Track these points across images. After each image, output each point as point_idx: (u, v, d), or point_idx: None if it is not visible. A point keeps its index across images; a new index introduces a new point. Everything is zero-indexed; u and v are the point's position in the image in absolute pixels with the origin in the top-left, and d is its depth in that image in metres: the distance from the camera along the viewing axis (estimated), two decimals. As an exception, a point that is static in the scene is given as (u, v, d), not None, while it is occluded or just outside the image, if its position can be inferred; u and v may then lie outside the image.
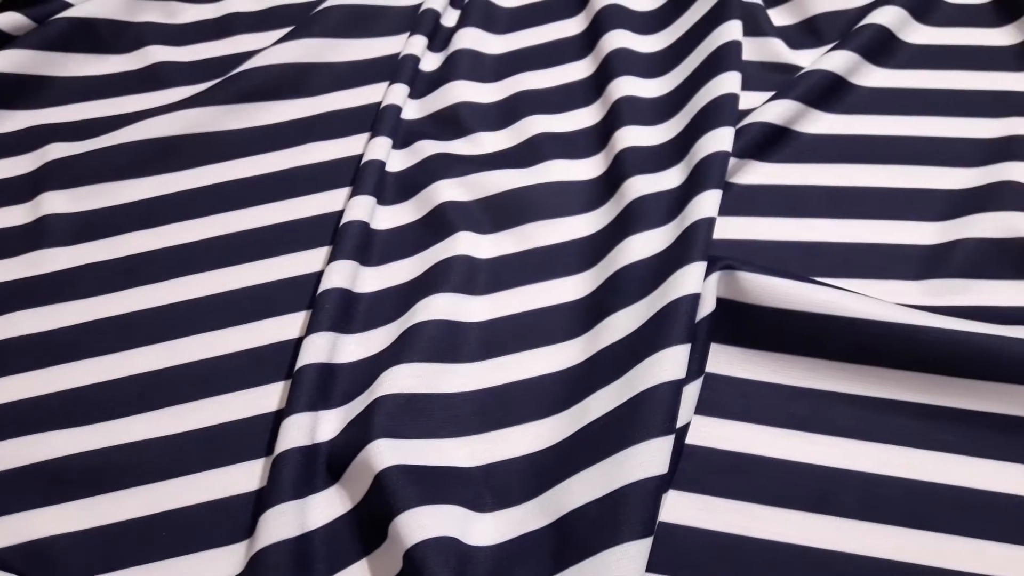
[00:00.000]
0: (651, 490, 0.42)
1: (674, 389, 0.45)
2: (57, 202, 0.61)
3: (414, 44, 0.69)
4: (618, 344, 0.50)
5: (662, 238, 0.54)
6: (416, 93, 0.68)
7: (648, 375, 0.46)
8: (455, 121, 0.65)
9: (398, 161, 0.63)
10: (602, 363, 0.50)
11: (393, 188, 0.62)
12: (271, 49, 0.69)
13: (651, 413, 0.44)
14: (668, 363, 0.46)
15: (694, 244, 0.51)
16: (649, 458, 0.43)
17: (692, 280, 0.49)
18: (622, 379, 0.47)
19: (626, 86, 0.64)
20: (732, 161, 0.58)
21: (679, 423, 0.46)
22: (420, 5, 0.73)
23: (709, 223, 0.52)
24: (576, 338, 0.52)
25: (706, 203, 0.53)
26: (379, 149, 0.62)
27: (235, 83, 0.68)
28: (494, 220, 0.59)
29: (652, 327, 0.48)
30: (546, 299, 0.55)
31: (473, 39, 0.70)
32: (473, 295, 0.55)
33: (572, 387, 0.50)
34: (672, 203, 0.56)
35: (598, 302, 0.53)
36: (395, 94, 0.66)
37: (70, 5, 0.73)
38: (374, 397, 0.49)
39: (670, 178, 0.57)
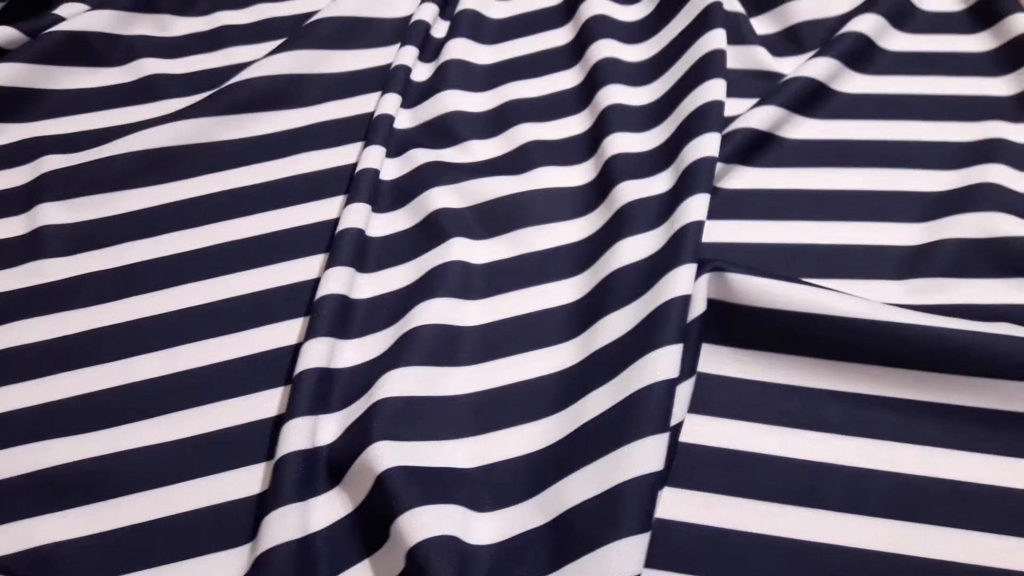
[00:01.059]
0: (648, 487, 0.43)
1: (668, 388, 0.46)
2: (54, 213, 0.62)
3: (405, 55, 0.70)
4: (612, 345, 0.51)
5: (653, 242, 0.55)
6: (408, 103, 0.69)
7: (642, 375, 0.47)
8: (447, 130, 0.66)
9: (392, 169, 0.64)
10: (597, 364, 0.51)
11: (387, 196, 0.62)
12: (263, 61, 0.70)
13: (646, 412, 0.45)
14: (661, 363, 0.47)
15: (684, 247, 0.52)
16: (645, 456, 0.44)
17: (683, 282, 0.50)
18: (617, 379, 0.48)
19: (614, 94, 0.66)
20: (718, 166, 0.59)
21: (673, 422, 0.47)
22: (410, 17, 0.74)
23: (698, 226, 0.53)
24: (571, 340, 0.53)
25: (695, 207, 0.54)
26: (373, 158, 0.63)
27: (228, 94, 0.68)
28: (487, 226, 0.60)
29: (645, 328, 0.49)
30: (540, 303, 0.56)
31: (463, 50, 0.71)
32: (468, 299, 0.56)
33: (568, 388, 0.51)
34: (662, 207, 0.57)
35: (591, 305, 0.54)
36: (388, 104, 0.67)
37: (63, 19, 0.73)
38: (373, 401, 0.49)
39: (659, 183, 0.59)
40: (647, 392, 0.46)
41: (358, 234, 0.58)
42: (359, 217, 0.59)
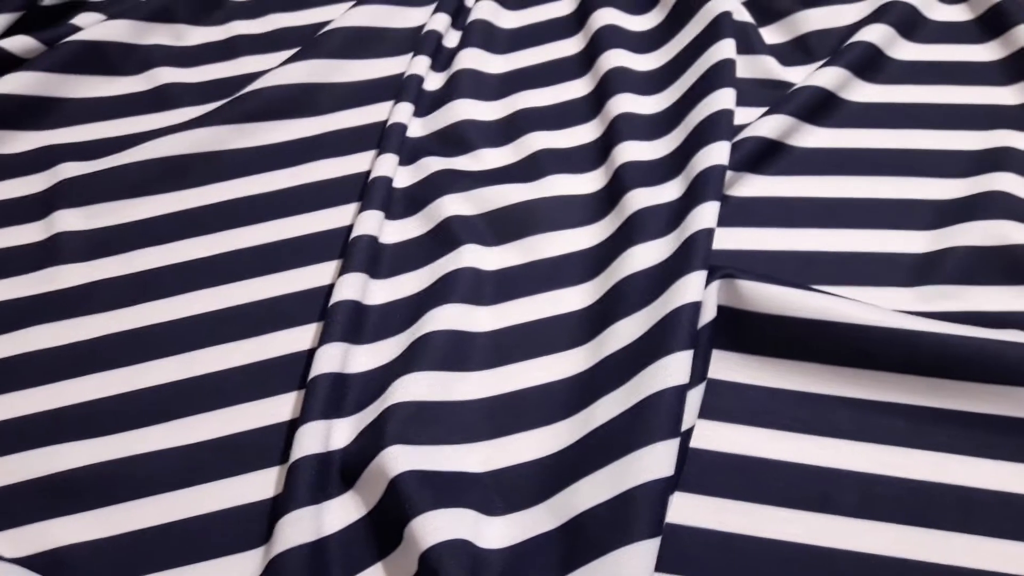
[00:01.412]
0: (659, 491, 0.43)
1: (678, 393, 0.47)
2: (70, 220, 0.63)
3: (418, 64, 0.71)
4: (622, 351, 0.51)
5: (663, 249, 0.55)
6: (420, 112, 0.69)
7: (653, 380, 0.47)
8: (459, 138, 0.67)
9: (404, 177, 0.65)
10: (607, 370, 0.51)
11: (400, 203, 0.63)
12: (277, 70, 0.71)
13: (656, 417, 0.46)
14: (672, 368, 0.47)
15: (695, 254, 0.52)
16: (656, 461, 0.44)
17: (693, 288, 0.51)
18: (627, 385, 0.49)
19: (624, 103, 0.66)
20: (729, 174, 0.60)
21: (683, 427, 0.47)
22: (422, 27, 0.75)
23: (708, 234, 0.54)
24: (581, 346, 0.54)
25: (705, 214, 0.55)
26: (386, 166, 0.64)
27: (243, 103, 0.69)
28: (499, 233, 0.60)
29: (655, 334, 0.50)
30: (551, 309, 0.56)
31: (474, 59, 0.72)
32: (480, 305, 0.56)
33: (579, 393, 0.51)
34: (672, 215, 0.57)
35: (602, 311, 0.54)
36: (400, 113, 0.67)
37: (79, 28, 0.74)
38: (386, 405, 0.50)
39: (669, 191, 0.59)
40: (658, 398, 0.46)
41: (371, 241, 0.59)
42: (372, 224, 0.60)
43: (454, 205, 0.61)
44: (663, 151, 0.63)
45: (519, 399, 0.52)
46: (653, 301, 0.52)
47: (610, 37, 0.71)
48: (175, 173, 0.66)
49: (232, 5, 0.79)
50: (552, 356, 0.54)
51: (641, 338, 0.51)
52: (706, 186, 0.57)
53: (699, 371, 0.50)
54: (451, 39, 0.75)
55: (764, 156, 0.63)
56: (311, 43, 0.73)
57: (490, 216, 0.61)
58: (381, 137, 0.67)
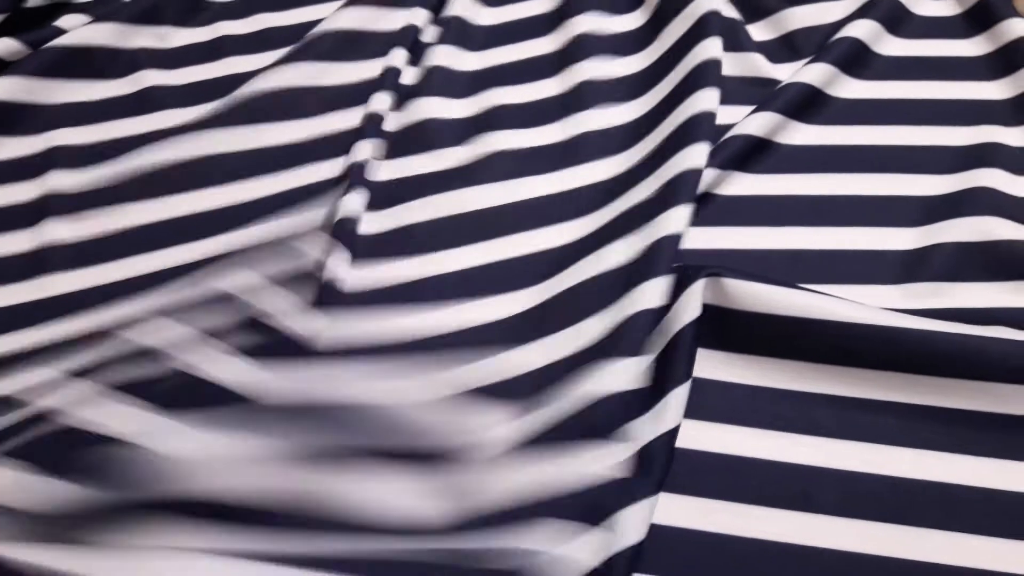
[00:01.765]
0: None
1: (619, 399, 0.48)
2: (57, 228, 0.62)
3: (395, 57, 0.71)
4: (584, 352, 0.52)
5: (629, 251, 0.55)
6: (391, 107, 0.69)
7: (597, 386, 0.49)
8: (425, 135, 0.66)
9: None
10: (559, 371, 0.52)
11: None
12: (265, 74, 0.71)
13: (593, 418, 0.48)
14: (616, 374, 0.49)
15: (659, 258, 0.53)
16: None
17: (653, 293, 0.52)
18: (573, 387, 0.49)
19: (600, 102, 0.66)
20: (715, 173, 0.60)
21: (670, 425, 0.47)
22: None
23: (675, 239, 0.54)
24: (536, 344, 0.54)
25: (675, 219, 0.55)
26: (363, 151, 0.64)
27: (230, 108, 0.69)
28: (466, 233, 0.60)
29: (615, 337, 0.51)
30: (508, 311, 0.56)
31: (448, 56, 0.72)
32: (441, 308, 0.56)
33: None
34: (643, 218, 0.57)
35: (564, 310, 0.55)
36: (377, 103, 0.68)
37: (64, 32, 0.74)
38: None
39: (640, 193, 0.59)
40: (597, 405, 0.48)
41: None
42: (355, 205, 0.60)
43: (417, 204, 0.61)
44: (640, 153, 0.63)
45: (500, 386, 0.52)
46: (612, 305, 0.53)
47: (591, 38, 0.71)
48: (163, 179, 0.65)
49: (218, 6, 0.79)
50: (505, 355, 0.54)
51: (603, 337, 0.52)
52: (679, 190, 0.57)
53: (684, 370, 0.50)
54: (429, 35, 0.75)
55: (751, 154, 0.63)
56: (300, 46, 0.73)
57: (459, 218, 0.61)
58: (359, 130, 0.67)
